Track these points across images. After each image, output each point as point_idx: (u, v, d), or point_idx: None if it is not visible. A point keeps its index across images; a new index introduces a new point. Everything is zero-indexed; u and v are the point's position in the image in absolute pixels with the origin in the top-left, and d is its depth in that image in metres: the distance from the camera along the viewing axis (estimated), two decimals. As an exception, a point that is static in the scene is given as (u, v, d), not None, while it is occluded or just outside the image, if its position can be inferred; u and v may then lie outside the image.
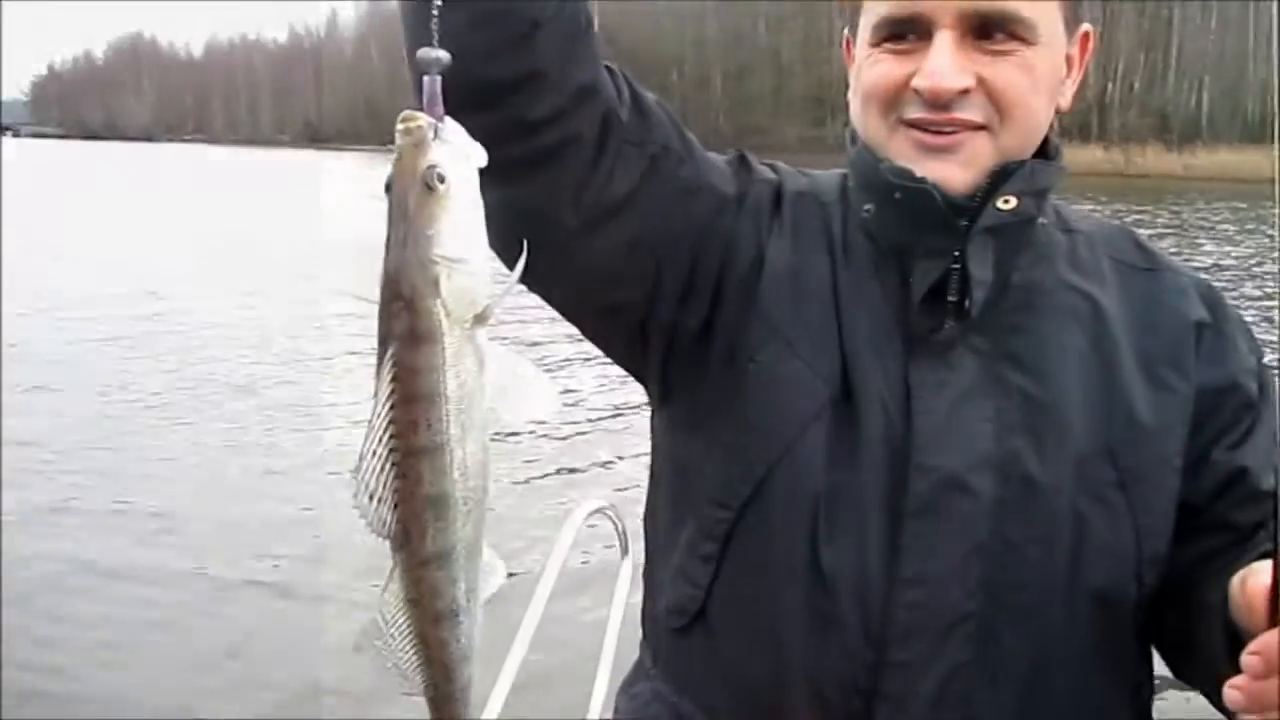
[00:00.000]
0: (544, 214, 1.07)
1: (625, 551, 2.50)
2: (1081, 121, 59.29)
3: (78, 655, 4.79)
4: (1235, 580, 0.95)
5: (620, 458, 7.36)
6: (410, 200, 0.80)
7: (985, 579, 1.10)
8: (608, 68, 1.09)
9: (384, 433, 0.80)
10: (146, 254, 18.47)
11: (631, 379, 1.30)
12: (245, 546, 5.90)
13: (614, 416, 8.49)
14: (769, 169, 1.26)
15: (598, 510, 2.39)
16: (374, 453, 0.79)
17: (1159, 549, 1.16)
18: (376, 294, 0.82)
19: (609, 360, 1.30)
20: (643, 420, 1.34)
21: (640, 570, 1.36)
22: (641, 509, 1.33)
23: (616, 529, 2.47)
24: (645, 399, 1.31)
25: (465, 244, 0.82)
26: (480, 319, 0.83)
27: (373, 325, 0.81)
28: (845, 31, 1.22)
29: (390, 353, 0.80)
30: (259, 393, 9.54)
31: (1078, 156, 54.72)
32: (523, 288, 0.95)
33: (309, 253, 18.21)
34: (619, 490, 6.23)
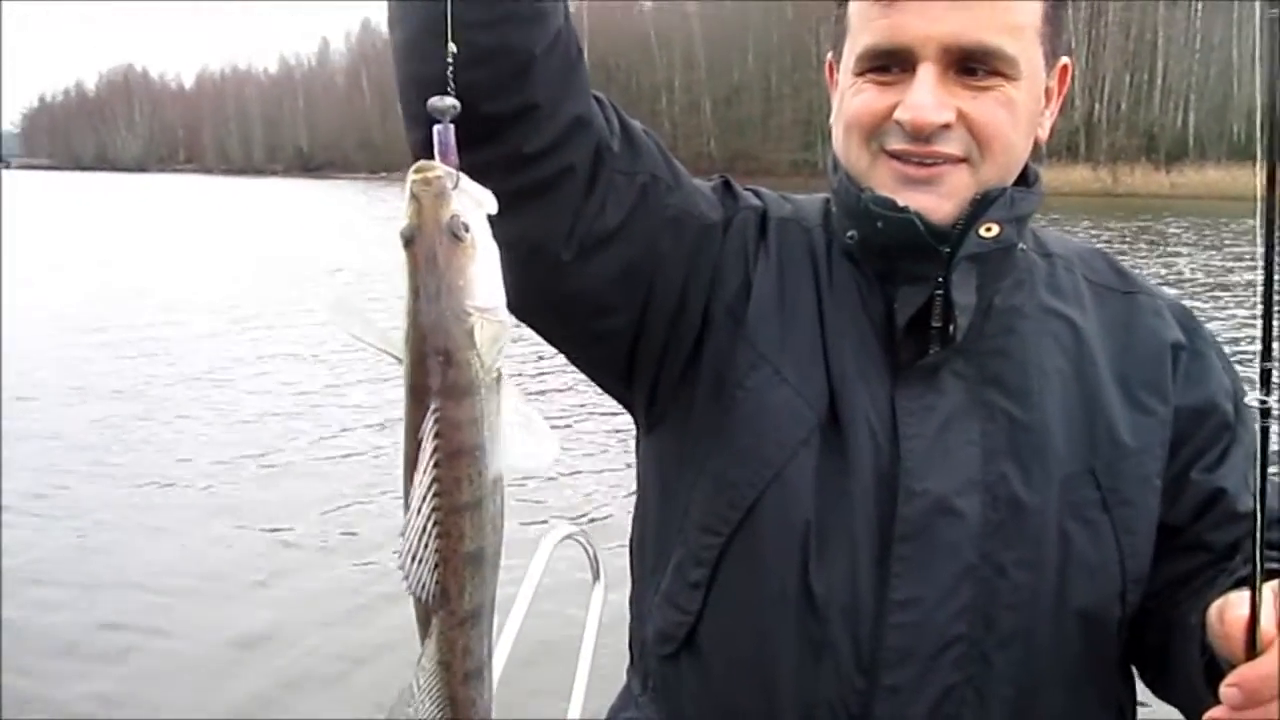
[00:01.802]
0: (538, 245, 1.08)
1: (597, 577, 2.49)
2: (1069, 142, 59.61)
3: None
4: (1213, 609, 0.96)
5: (594, 483, 7.27)
6: (438, 252, 0.79)
7: (975, 601, 1.11)
8: (596, 98, 1.11)
9: (428, 491, 0.78)
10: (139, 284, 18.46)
11: (611, 406, 1.30)
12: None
13: (584, 441, 8.40)
14: (753, 194, 1.27)
15: (569, 536, 2.38)
16: (419, 511, 0.78)
17: (1142, 569, 1.17)
18: (377, 341, 0.81)
19: (589, 387, 1.30)
20: (620, 446, 1.35)
21: (618, 596, 1.36)
22: (610, 534, 1.33)
23: (588, 555, 2.46)
24: (617, 424, 1.31)
25: (492, 292, 0.82)
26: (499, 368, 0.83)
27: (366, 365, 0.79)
28: (829, 55, 1.23)
29: (433, 408, 0.78)
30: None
31: (1066, 176, 55.05)
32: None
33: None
34: (585, 516, 6.26)
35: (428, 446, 0.78)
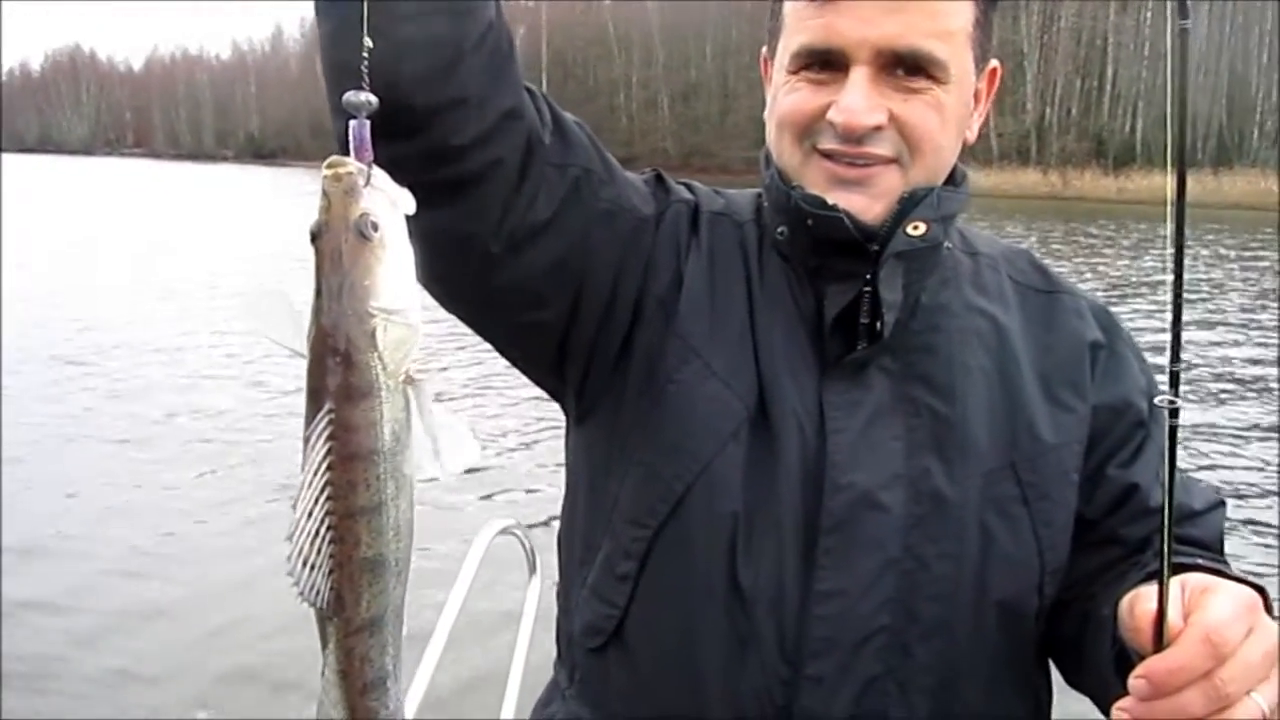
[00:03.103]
0: (467, 238, 1.07)
1: (533, 571, 2.48)
2: (1020, 145, 60.39)
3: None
4: (1124, 602, 0.99)
5: (530, 477, 7.25)
6: (343, 250, 0.77)
7: (897, 593, 1.13)
8: (528, 90, 1.10)
9: (320, 494, 0.76)
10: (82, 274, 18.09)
11: (544, 397, 1.30)
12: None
13: (517, 434, 8.41)
14: (685, 189, 1.27)
15: (505, 529, 2.37)
16: (309, 513, 0.75)
17: (1059, 561, 1.20)
18: (300, 345, 0.78)
19: (520, 379, 1.29)
20: (552, 438, 1.36)
21: (554, 589, 1.36)
22: (544, 527, 1.33)
23: (524, 548, 2.45)
24: (552, 416, 1.32)
25: (400, 294, 0.79)
26: (409, 371, 0.80)
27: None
28: (764, 50, 1.24)
29: (326, 409, 0.76)
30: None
31: (1017, 179, 55.76)
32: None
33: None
34: (526, 509, 6.23)
35: (319, 448, 0.76)
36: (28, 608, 5.20)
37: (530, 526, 2.52)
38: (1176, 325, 0.98)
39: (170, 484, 7.33)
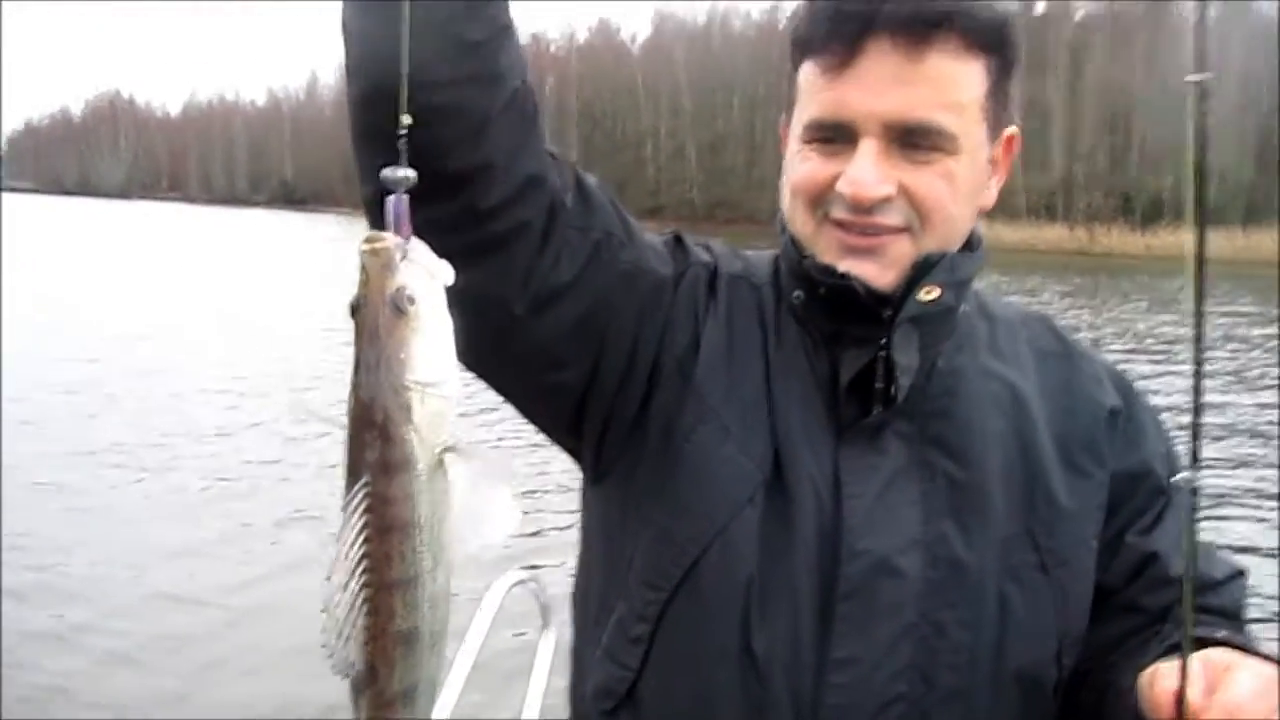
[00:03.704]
0: (491, 300, 1.09)
1: (546, 625, 2.46)
2: (1048, 201, 60.34)
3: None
4: (1144, 676, 0.98)
5: (544, 531, 7.24)
6: (380, 324, 0.78)
7: (914, 660, 1.12)
8: (551, 154, 1.12)
9: (356, 565, 0.76)
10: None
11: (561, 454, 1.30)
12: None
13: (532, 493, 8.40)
14: (704, 250, 1.29)
15: (520, 582, 2.36)
16: (344, 586, 0.75)
17: (1078, 630, 1.19)
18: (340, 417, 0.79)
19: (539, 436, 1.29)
20: (564, 493, 1.34)
21: (565, 646, 1.35)
22: (561, 580, 1.33)
23: (538, 602, 2.44)
24: (568, 472, 1.30)
25: (437, 367, 0.80)
26: (450, 442, 0.80)
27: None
28: (783, 116, 1.25)
29: (362, 483, 0.77)
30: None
31: (1044, 234, 55.68)
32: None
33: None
34: (537, 565, 6.18)
35: (355, 522, 0.76)
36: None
37: (545, 568, 2.51)
38: (1197, 400, 0.97)
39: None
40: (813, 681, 1.12)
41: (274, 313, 19.10)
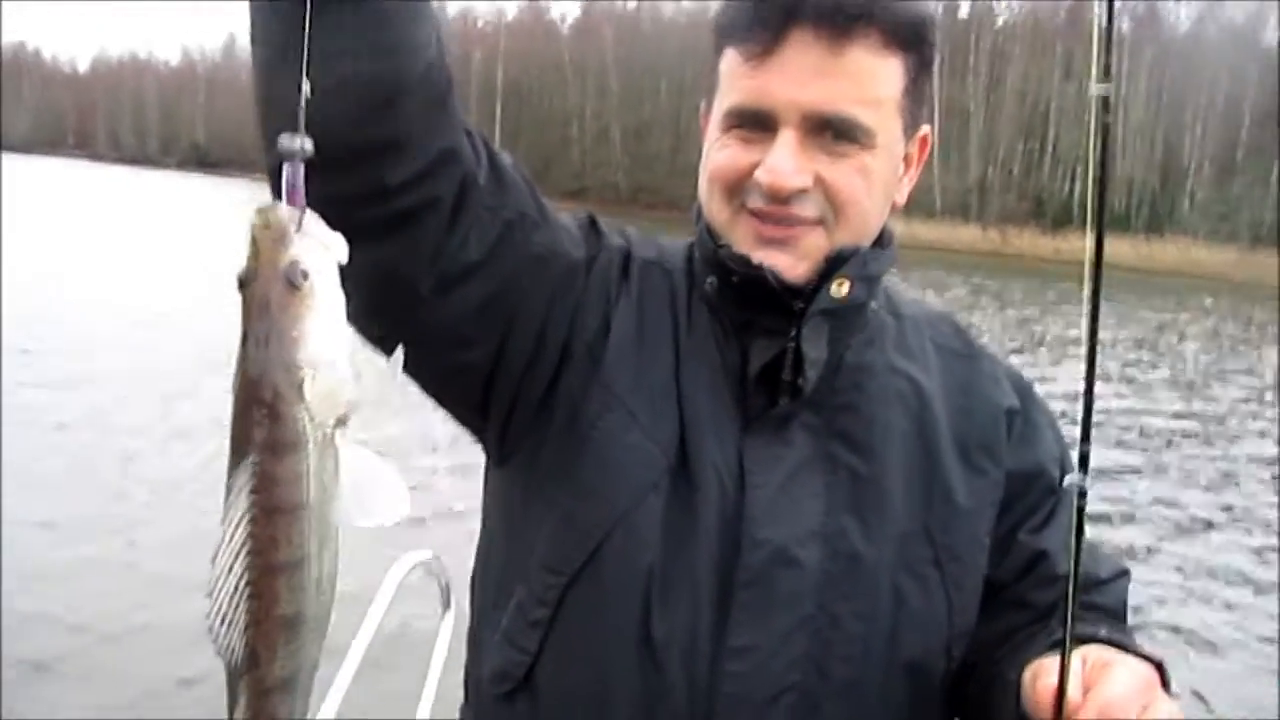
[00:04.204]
0: (396, 277, 1.06)
1: (447, 606, 2.44)
2: (963, 202, 61.66)
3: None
4: (1027, 673, 1.01)
5: (445, 512, 7.15)
6: (272, 299, 0.74)
7: (809, 651, 1.14)
8: (467, 130, 1.09)
9: (240, 548, 0.73)
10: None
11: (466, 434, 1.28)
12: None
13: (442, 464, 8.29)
14: (618, 235, 1.28)
15: (421, 563, 2.33)
16: (229, 569, 0.72)
17: (968, 623, 1.21)
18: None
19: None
20: (470, 475, 1.32)
21: (465, 626, 1.34)
22: (464, 563, 1.31)
23: (439, 583, 2.42)
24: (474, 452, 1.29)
25: (330, 345, 0.77)
26: (341, 421, 0.77)
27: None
28: (703, 103, 1.25)
29: (250, 462, 0.74)
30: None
31: (958, 234, 56.88)
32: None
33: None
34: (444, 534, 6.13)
35: (241, 502, 0.73)
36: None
37: (447, 553, 2.48)
38: (1088, 406, 1.00)
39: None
40: (708, 669, 1.12)
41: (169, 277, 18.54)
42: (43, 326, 12.98)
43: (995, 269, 42.18)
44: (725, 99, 1.17)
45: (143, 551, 6.39)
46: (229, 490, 0.74)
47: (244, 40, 0.99)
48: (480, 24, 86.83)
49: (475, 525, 1.32)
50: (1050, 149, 64.12)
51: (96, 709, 4.46)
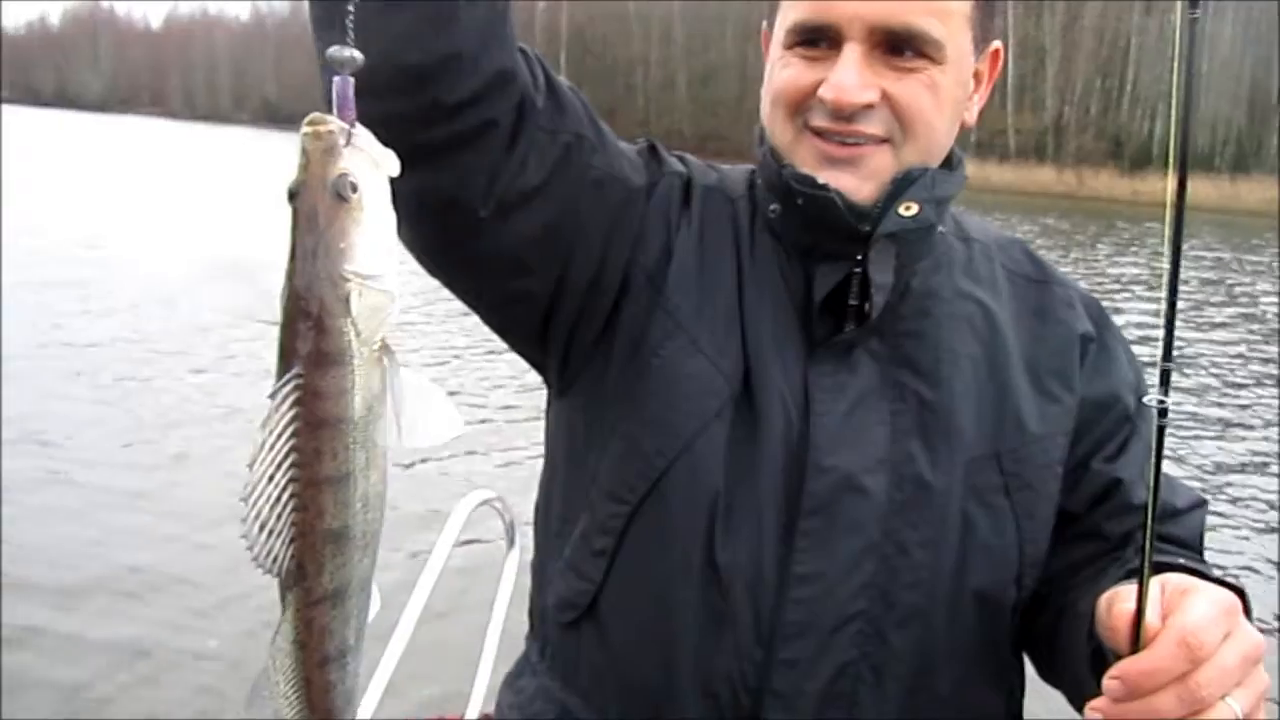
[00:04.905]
0: (455, 201, 1.06)
1: (511, 544, 2.46)
2: (1038, 142, 60.16)
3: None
4: (1102, 600, 0.97)
5: (510, 449, 7.23)
6: (320, 211, 0.74)
7: (875, 579, 1.12)
8: (522, 51, 1.08)
9: (283, 458, 0.73)
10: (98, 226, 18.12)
11: (527, 371, 1.28)
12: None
13: (506, 408, 8.40)
14: (679, 161, 1.26)
15: (485, 501, 2.34)
16: (269, 477, 0.72)
17: (1039, 554, 1.19)
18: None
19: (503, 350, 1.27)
20: (533, 414, 1.32)
21: (529, 563, 1.35)
22: (529, 502, 1.32)
23: (504, 521, 2.44)
24: (541, 390, 1.29)
25: (378, 259, 0.76)
26: (386, 345, 0.77)
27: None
28: (764, 25, 1.22)
29: (293, 374, 0.73)
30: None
31: (1033, 176, 55.56)
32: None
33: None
34: (508, 476, 6.22)
35: (284, 412, 0.73)
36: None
37: (512, 494, 2.51)
38: (1169, 324, 0.96)
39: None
40: (774, 597, 1.12)
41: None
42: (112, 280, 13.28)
43: (1070, 211, 41.16)
44: (787, 16, 1.14)
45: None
46: (272, 397, 0.74)
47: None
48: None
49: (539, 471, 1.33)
50: (1129, 87, 62.20)
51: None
